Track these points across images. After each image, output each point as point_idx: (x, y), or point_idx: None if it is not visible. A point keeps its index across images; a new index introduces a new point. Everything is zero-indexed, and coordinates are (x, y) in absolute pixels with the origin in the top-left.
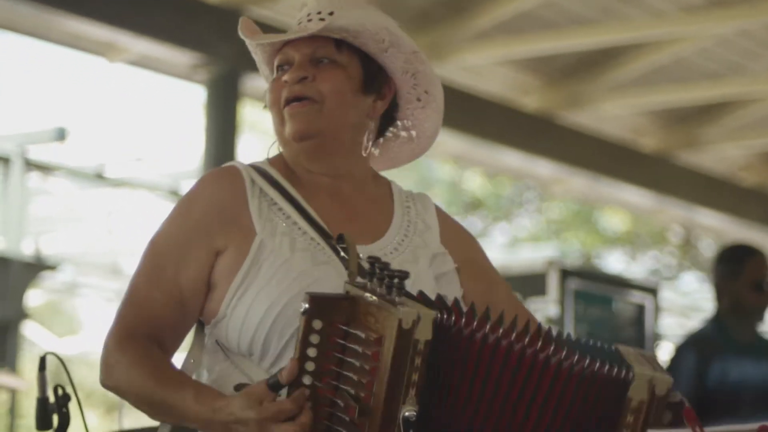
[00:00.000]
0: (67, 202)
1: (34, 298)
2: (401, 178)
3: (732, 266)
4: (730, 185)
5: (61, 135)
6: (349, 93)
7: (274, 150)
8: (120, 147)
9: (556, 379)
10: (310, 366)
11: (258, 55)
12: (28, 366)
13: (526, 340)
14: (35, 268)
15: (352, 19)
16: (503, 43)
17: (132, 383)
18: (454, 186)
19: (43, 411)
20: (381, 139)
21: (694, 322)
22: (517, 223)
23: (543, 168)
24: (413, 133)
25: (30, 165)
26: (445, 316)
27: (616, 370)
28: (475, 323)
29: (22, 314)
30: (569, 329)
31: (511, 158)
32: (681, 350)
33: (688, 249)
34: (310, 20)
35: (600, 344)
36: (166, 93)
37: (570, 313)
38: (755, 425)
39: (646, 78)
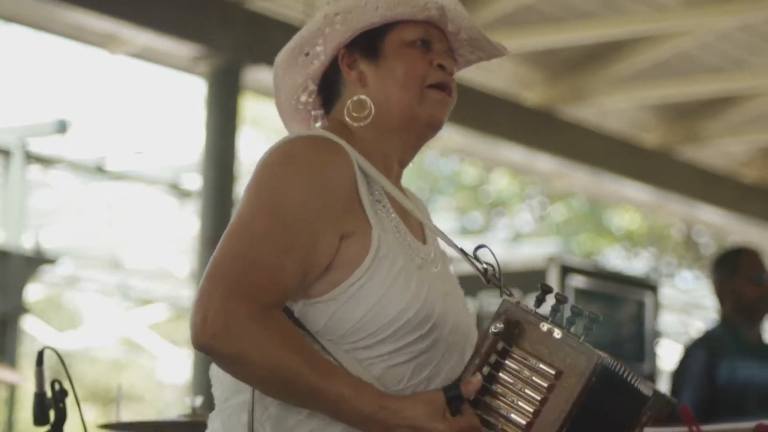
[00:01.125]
0: (68, 195)
1: (33, 292)
2: (419, 180)
3: (728, 266)
4: (731, 181)
5: (61, 127)
6: None
7: (355, 108)
8: (121, 140)
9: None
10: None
11: (390, 9)
12: (28, 361)
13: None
14: (35, 261)
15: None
16: (505, 37)
17: (271, 360)
18: (470, 186)
19: (41, 406)
20: None
21: (695, 319)
22: (520, 219)
23: (544, 163)
24: None
25: (30, 157)
26: (613, 363)
27: (645, 389)
28: (626, 370)
29: (21, 308)
30: None
31: (513, 153)
32: (692, 349)
33: (688, 246)
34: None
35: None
36: (167, 85)
37: None
38: (752, 424)
39: (647, 72)
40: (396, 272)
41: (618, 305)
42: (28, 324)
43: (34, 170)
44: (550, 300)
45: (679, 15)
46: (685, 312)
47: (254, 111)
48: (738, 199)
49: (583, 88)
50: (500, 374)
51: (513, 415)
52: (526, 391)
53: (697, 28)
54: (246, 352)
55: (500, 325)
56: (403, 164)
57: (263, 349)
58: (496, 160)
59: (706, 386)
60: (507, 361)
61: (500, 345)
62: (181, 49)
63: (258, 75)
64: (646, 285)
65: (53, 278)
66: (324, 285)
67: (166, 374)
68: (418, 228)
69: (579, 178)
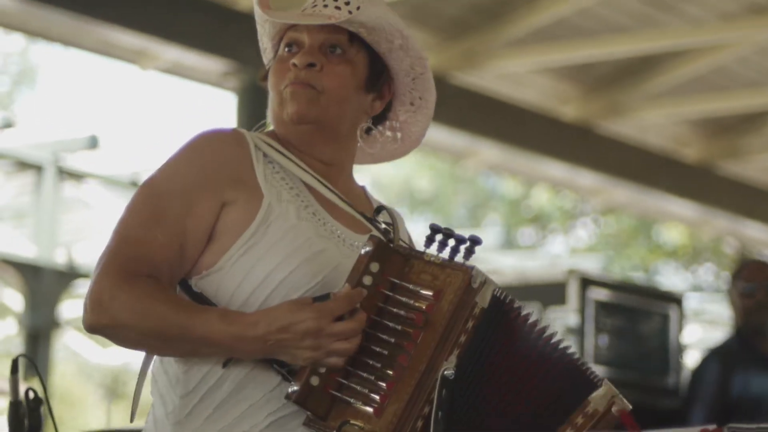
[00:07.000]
0: (101, 210)
1: (75, 308)
2: (463, 194)
3: (731, 280)
4: None
5: (93, 143)
6: (351, 89)
7: (262, 129)
8: (153, 154)
9: (550, 364)
10: None
11: (264, 29)
12: (68, 375)
13: (553, 338)
14: (67, 276)
15: (372, 16)
16: (540, 51)
17: (139, 315)
18: (513, 200)
19: (15, 414)
20: (366, 135)
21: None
22: (573, 235)
23: (584, 178)
24: (399, 134)
25: (63, 173)
26: (503, 292)
27: (591, 371)
28: (522, 309)
29: (54, 323)
30: (590, 339)
31: (552, 168)
32: (706, 360)
33: None
34: (326, 5)
35: None
36: (198, 100)
37: (591, 323)
38: (696, 429)
39: (685, 87)
40: (284, 232)
41: (641, 319)
42: (70, 339)
43: (67, 186)
44: (439, 238)
45: (714, 29)
46: None
47: None
48: None
49: (621, 102)
50: (380, 303)
51: (397, 339)
52: (410, 314)
53: (733, 42)
54: (118, 317)
55: (368, 248)
56: (326, 162)
57: (130, 309)
58: (536, 176)
59: (719, 398)
60: (386, 291)
61: (374, 266)
62: (211, 63)
63: None
64: (671, 298)
65: None
66: (211, 255)
67: None
68: (356, 222)
69: (620, 194)
